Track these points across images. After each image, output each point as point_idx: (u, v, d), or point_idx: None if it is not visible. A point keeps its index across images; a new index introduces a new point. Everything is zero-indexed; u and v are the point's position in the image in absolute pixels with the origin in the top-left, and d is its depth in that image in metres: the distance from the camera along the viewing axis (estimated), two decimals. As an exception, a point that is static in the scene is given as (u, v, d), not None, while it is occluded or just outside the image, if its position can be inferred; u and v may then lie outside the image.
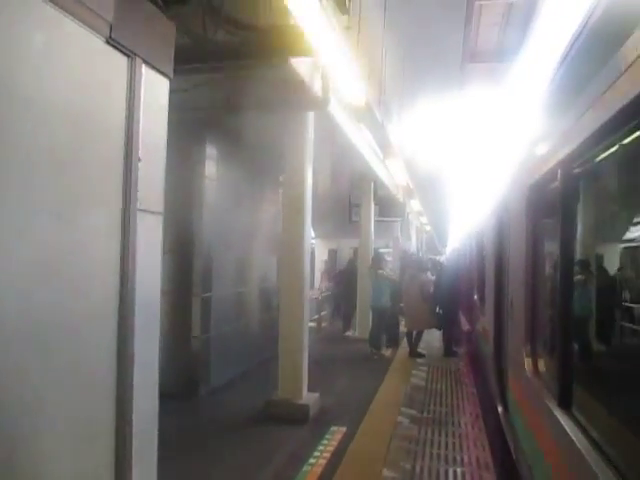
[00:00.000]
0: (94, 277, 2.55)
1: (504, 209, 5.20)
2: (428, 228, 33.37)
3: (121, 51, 2.70)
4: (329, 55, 4.52)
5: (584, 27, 2.36)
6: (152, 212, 2.98)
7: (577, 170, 2.54)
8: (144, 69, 2.88)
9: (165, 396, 6.66)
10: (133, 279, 2.79)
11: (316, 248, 24.50)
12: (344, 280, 13.63)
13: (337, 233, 21.82)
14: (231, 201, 8.10)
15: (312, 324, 12.93)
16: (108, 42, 2.60)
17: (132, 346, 2.78)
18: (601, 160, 2.24)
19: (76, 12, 2.37)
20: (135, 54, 2.79)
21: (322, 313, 13.55)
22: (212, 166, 7.45)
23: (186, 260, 7.31)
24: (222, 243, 7.74)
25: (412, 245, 24.07)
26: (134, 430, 2.79)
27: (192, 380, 7.06)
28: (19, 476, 2.14)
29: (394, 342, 10.92)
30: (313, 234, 24.23)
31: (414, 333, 10.39)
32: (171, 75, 3.15)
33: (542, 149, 3.14)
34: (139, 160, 2.83)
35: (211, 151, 7.41)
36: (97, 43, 2.54)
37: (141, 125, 2.85)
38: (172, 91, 5.13)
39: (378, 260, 10.88)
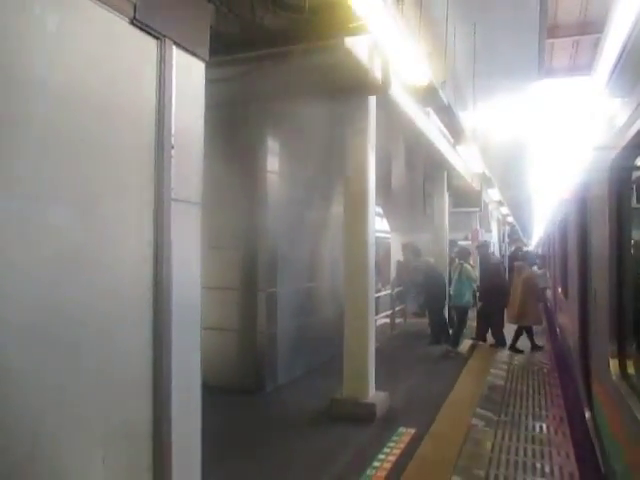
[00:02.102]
0: (123, 272, 2.43)
1: (586, 192, 4.68)
2: (510, 219, 31.80)
3: (148, 33, 2.57)
4: (384, 31, 4.20)
5: None
6: (188, 202, 2.84)
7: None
8: (175, 51, 2.73)
9: (231, 391, 6.73)
10: (169, 274, 2.66)
11: (392, 242, 24.05)
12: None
13: (412, 227, 21.27)
14: (297, 195, 7.94)
15: (386, 320, 12.64)
16: (133, 23, 2.47)
17: (169, 345, 2.65)
18: None
19: (95, -9, 2.25)
20: (164, 36, 2.65)
21: (397, 308, 13.13)
22: (275, 159, 7.32)
23: (252, 255, 7.25)
24: (288, 238, 7.61)
25: (493, 237, 22.97)
26: (173, 433, 2.66)
27: (258, 376, 6.98)
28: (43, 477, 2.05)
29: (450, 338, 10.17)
30: (388, 228, 23.86)
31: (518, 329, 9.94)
32: (207, 58, 2.98)
33: (624, 113, 2.69)
34: (172, 147, 2.69)
35: (273, 144, 7.28)
36: (121, 24, 2.42)
37: (174, 111, 2.71)
38: (225, 80, 5.05)
39: (465, 254, 10.29)
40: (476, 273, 10.48)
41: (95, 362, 2.29)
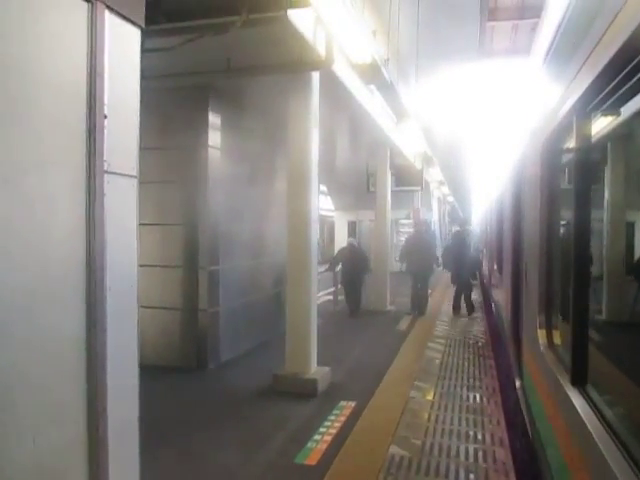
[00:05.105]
0: (52, 250, 2.31)
1: (520, 173, 4.86)
2: (450, 199, 32.66)
3: (78, -6, 2.42)
4: (328, 5, 4.16)
5: None
6: (123, 175, 2.72)
7: (597, 115, 2.18)
8: (108, 16, 2.59)
9: (172, 370, 6.65)
10: (102, 252, 2.55)
11: (336, 220, 24.26)
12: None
13: (356, 204, 21.50)
14: (240, 171, 7.83)
15: (329, 297, 12.79)
16: (60, -16, 2.32)
17: (103, 327, 2.54)
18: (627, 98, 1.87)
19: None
20: (95, -2, 2.50)
21: (339, 286, 13.29)
22: (216, 135, 7.15)
23: (193, 232, 7.12)
24: (231, 214, 7.51)
25: (433, 216, 23.55)
26: (109, 415, 2.58)
27: (200, 354, 6.93)
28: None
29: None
30: (332, 206, 24.01)
31: None
32: (142, 24, 2.84)
33: (555, 95, 2.78)
34: (105, 117, 2.57)
35: (215, 119, 7.11)
36: (46, -16, 2.27)
37: (107, 78, 2.57)
38: (164, 50, 4.87)
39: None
40: None
41: (23, 342, 2.18)
